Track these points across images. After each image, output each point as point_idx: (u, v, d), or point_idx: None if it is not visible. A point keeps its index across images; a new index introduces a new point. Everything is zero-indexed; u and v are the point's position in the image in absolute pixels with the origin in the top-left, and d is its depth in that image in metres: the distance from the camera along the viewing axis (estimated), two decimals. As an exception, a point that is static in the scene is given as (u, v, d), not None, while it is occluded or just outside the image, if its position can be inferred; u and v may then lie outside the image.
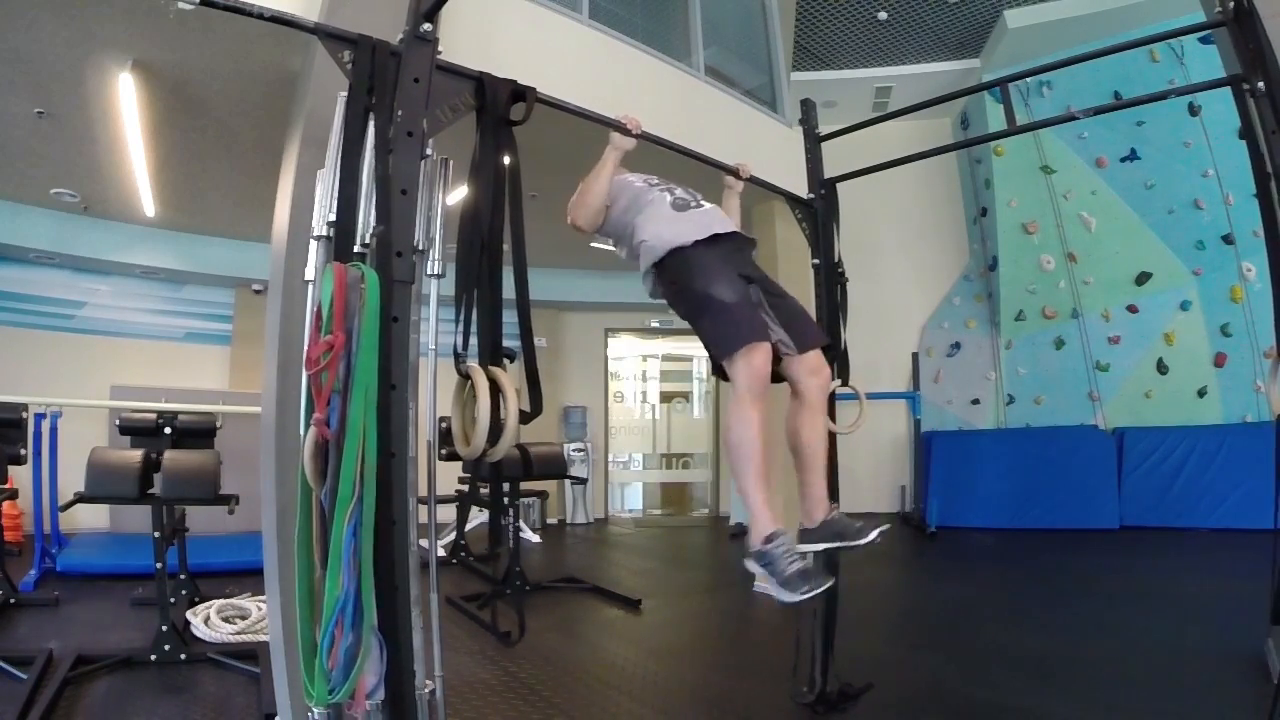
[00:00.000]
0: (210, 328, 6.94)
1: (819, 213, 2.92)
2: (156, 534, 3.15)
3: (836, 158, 3.00)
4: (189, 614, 3.69)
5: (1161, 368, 6.76)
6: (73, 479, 3.57)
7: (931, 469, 6.99)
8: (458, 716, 2.61)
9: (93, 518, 5.69)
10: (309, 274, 1.54)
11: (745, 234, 2.11)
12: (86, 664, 2.99)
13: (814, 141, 2.99)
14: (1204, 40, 5.04)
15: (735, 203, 2.47)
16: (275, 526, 2.10)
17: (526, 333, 1.78)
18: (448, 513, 5.76)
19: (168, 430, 3.78)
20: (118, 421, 3.92)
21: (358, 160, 1.52)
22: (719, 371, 1.95)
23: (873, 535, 1.89)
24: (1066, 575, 5.05)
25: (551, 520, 7.83)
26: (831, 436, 2.55)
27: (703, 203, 2.12)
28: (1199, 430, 6.33)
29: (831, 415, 2.52)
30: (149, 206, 5.34)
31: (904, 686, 3.00)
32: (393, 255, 1.50)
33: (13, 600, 3.96)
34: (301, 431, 1.37)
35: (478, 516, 6.19)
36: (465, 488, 5.51)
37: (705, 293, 1.88)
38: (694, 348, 8.22)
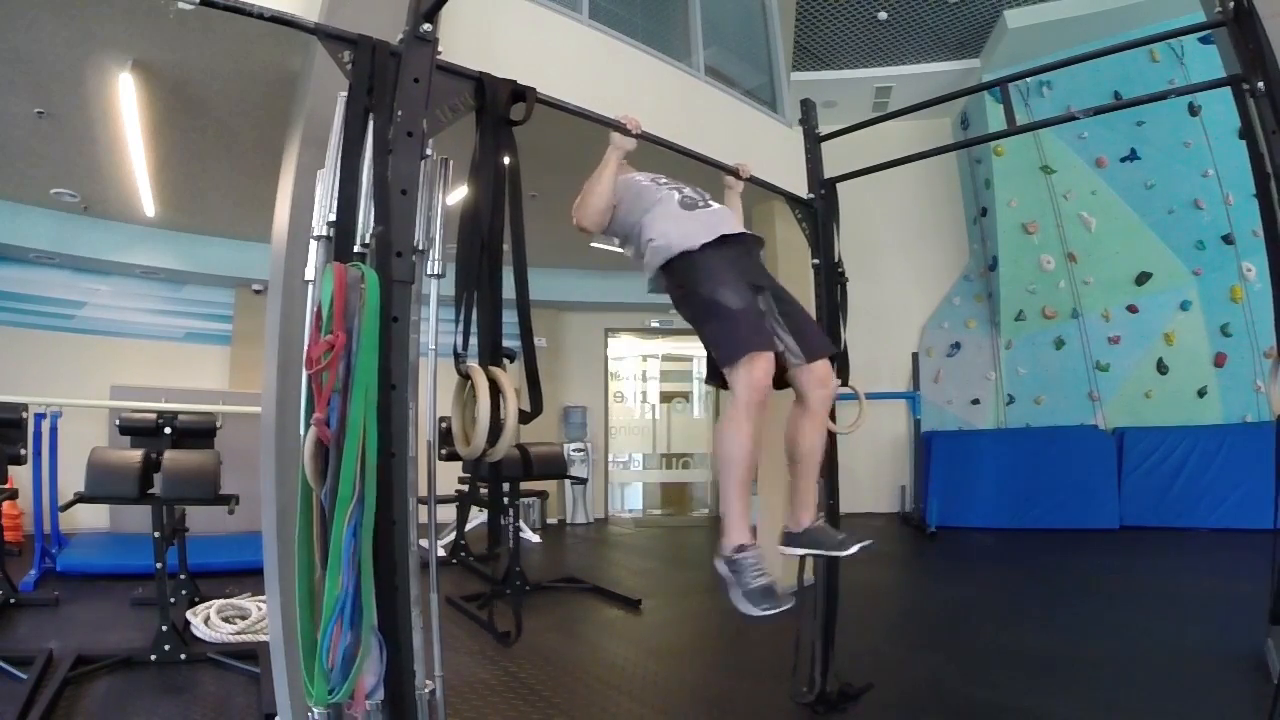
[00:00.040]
0: (210, 328, 6.93)
1: (819, 213, 2.92)
2: (156, 534, 3.15)
3: (836, 158, 3.00)
4: (189, 614, 3.69)
5: (1161, 368, 6.76)
6: (73, 479, 3.57)
7: (931, 469, 6.99)
8: (458, 716, 2.61)
9: (93, 518, 5.69)
10: (309, 274, 1.54)
11: (753, 234, 2.09)
12: (86, 664, 2.99)
13: (814, 141, 2.99)
14: (1204, 40, 5.04)
15: (737, 203, 2.46)
16: (275, 526, 2.10)
17: (526, 333, 1.78)
18: (448, 513, 5.76)
19: (168, 430, 3.78)
20: (118, 421, 3.92)
21: (358, 160, 1.52)
22: (713, 380, 1.95)
23: (853, 549, 1.95)
24: (1066, 575, 5.05)
25: (551, 520, 7.83)
26: (831, 436, 2.55)
27: (711, 202, 2.11)
28: (1199, 430, 6.33)
29: (831, 415, 2.50)
30: (149, 206, 5.34)
31: (904, 686, 3.01)
32: (392, 255, 1.50)
33: (13, 600, 3.96)
34: (301, 431, 1.37)
35: (478, 516, 6.19)
36: (465, 488, 5.52)
37: (711, 298, 1.86)
38: (694, 348, 8.22)
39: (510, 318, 1.73)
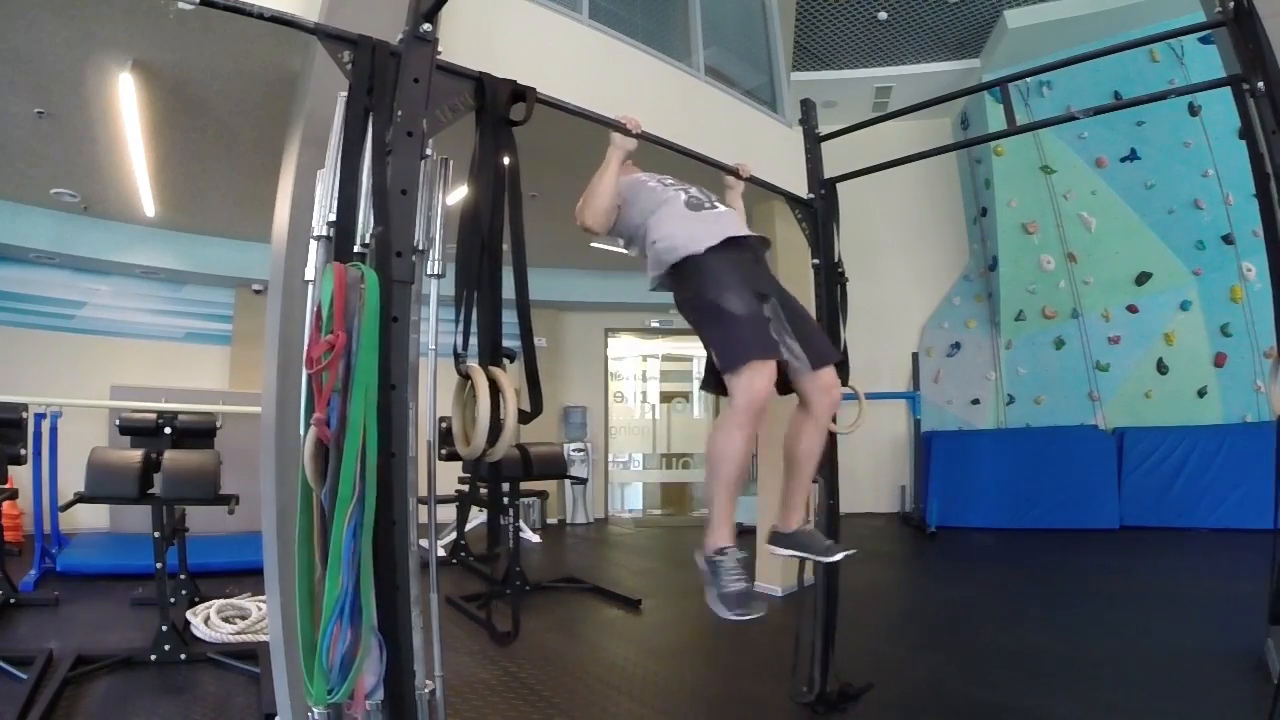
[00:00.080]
0: (210, 328, 6.93)
1: (819, 213, 2.92)
2: (156, 534, 3.15)
3: (836, 158, 3.00)
4: (189, 614, 3.69)
5: (1161, 368, 6.76)
6: (73, 479, 3.57)
7: (931, 469, 6.98)
8: (458, 716, 2.61)
9: (93, 518, 5.69)
10: (309, 274, 1.54)
11: (758, 236, 2.07)
12: (86, 664, 2.99)
13: (814, 141, 3.00)
14: (1204, 40, 5.05)
15: (739, 203, 2.45)
16: (275, 526, 2.10)
17: (526, 333, 1.77)
18: (448, 513, 5.76)
19: (168, 430, 3.78)
20: (118, 421, 3.92)
21: (358, 160, 1.52)
22: (709, 386, 1.95)
23: (838, 556, 2.01)
24: (1066, 575, 5.05)
25: (551, 520, 7.83)
26: (831, 436, 2.56)
27: (717, 204, 2.10)
28: (1199, 430, 6.33)
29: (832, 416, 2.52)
30: (149, 206, 5.34)
31: (904, 686, 3.00)
32: (392, 255, 1.50)
33: (13, 600, 3.96)
34: (301, 431, 1.37)
35: (478, 516, 6.19)
36: (465, 488, 5.51)
37: (715, 303, 1.85)
38: (694, 348, 8.22)
39: (510, 318, 1.73)
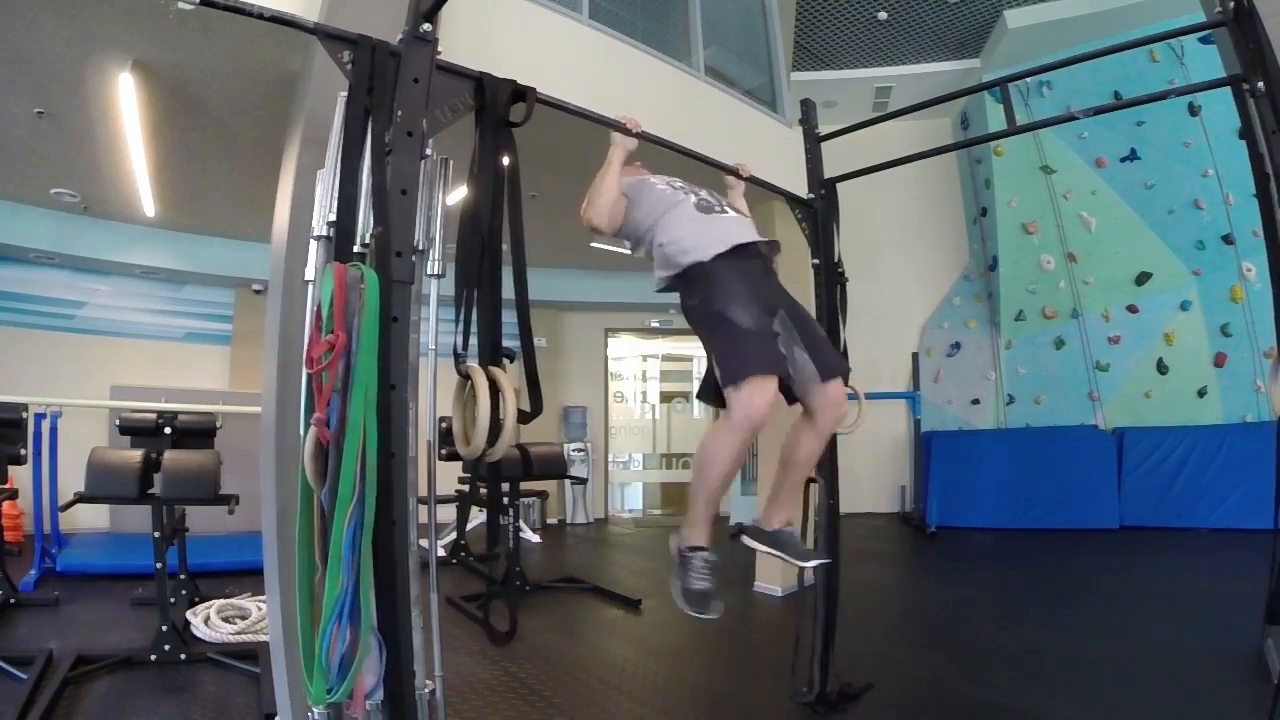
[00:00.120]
0: (210, 328, 6.94)
1: (819, 213, 2.92)
2: (156, 534, 3.15)
3: (836, 158, 3.00)
4: (189, 614, 3.69)
5: (1161, 368, 6.76)
6: (73, 479, 3.57)
7: (931, 469, 6.99)
8: (458, 716, 2.61)
9: (93, 518, 5.69)
10: (309, 274, 1.53)
11: (769, 241, 2.04)
12: (86, 664, 2.99)
13: (814, 141, 2.99)
14: (1204, 40, 5.04)
15: (742, 203, 2.44)
16: (275, 526, 2.10)
17: (526, 333, 1.77)
18: (448, 513, 5.76)
19: (168, 430, 3.78)
20: (118, 421, 3.92)
21: (357, 160, 1.52)
22: (706, 396, 1.94)
23: (814, 563, 2.13)
24: (1066, 575, 5.05)
25: (551, 520, 7.83)
26: (831, 436, 2.55)
27: (727, 208, 2.09)
28: (1199, 430, 6.33)
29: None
30: (149, 206, 5.34)
31: (904, 686, 3.01)
32: (392, 255, 1.50)
33: (13, 600, 3.96)
34: (301, 431, 1.37)
35: (478, 516, 6.19)
36: (465, 488, 5.52)
37: (721, 314, 1.83)
38: (694, 348, 8.23)
39: (510, 318, 1.73)
